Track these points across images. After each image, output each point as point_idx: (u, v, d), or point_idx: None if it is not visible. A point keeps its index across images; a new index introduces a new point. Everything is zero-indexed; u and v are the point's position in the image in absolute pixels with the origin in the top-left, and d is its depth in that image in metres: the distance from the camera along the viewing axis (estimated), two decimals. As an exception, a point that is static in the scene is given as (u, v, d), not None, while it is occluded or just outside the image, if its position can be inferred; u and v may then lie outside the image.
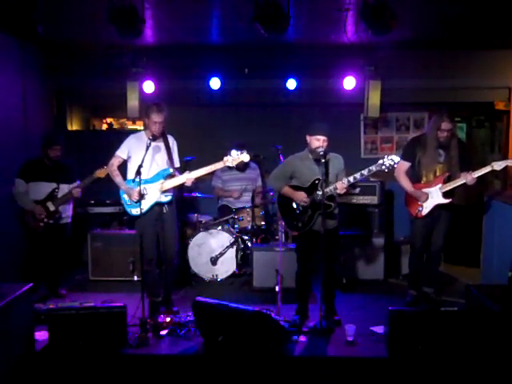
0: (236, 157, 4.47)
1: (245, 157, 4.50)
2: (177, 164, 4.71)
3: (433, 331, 3.67)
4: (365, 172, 4.12)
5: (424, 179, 4.75)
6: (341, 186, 4.16)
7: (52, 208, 5.02)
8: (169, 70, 6.27)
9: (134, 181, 4.44)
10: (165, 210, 4.59)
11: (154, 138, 4.46)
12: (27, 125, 5.72)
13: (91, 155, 5.73)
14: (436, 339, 3.66)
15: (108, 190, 5.90)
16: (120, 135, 5.31)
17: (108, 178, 4.83)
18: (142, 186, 4.39)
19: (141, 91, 6.15)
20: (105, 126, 8.04)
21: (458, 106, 7.00)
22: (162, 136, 4.63)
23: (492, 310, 3.48)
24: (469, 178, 4.52)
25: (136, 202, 4.41)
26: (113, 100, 6.73)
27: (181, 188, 4.90)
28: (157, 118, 4.45)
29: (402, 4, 4.25)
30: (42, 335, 3.92)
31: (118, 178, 4.63)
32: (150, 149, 4.41)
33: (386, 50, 5.77)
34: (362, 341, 4.03)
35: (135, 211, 4.48)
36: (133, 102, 6.14)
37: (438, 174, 4.72)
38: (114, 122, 8.05)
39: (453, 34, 5.82)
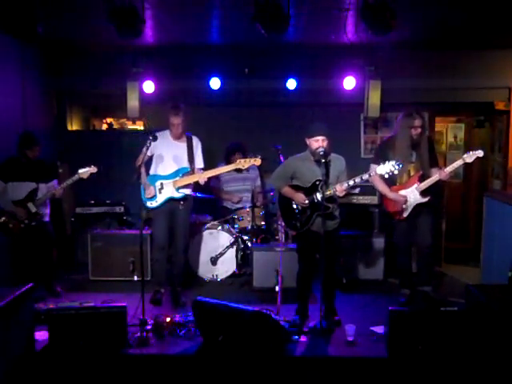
0: (249, 160, 4.64)
1: (257, 161, 4.63)
2: (199, 164, 4.97)
3: (433, 331, 3.67)
4: (365, 176, 4.14)
5: (399, 180, 4.75)
6: (340, 188, 4.15)
7: (33, 209, 4.94)
8: (169, 70, 6.27)
9: (153, 176, 4.86)
10: (181, 207, 4.87)
11: (155, 138, 4.51)
12: (27, 125, 5.72)
13: (91, 155, 5.73)
14: (436, 339, 3.66)
15: (108, 190, 5.93)
16: (120, 135, 5.33)
17: (107, 178, 4.85)
18: (160, 182, 4.82)
19: (141, 91, 6.15)
20: (105, 126, 8.03)
21: (458, 106, 7.00)
22: (186, 136, 4.93)
23: (492, 310, 3.48)
24: (443, 174, 4.55)
25: (151, 198, 4.81)
26: (113, 100, 6.73)
27: (197, 186, 5.03)
28: (174, 119, 4.79)
29: (401, 4, 4.25)
30: (42, 335, 3.92)
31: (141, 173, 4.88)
32: (172, 147, 4.84)
33: (385, 50, 5.77)
34: (362, 341, 4.02)
35: (150, 204, 4.83)
36: (133, 102, 6.14)
37: (411, 173, 4.72)
38: (113, 122, 8.05)
39: (453, 34, 5.82)
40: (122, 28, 4.35)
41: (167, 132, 4.92)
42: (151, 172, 4.92)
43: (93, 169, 4.97)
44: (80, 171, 4.95)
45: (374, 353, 3.83)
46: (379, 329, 4.18)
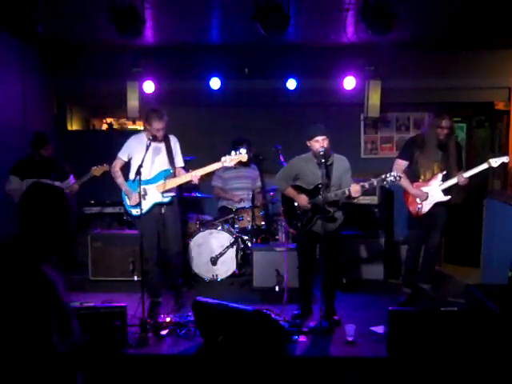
0: (234, 157, 4.48)
1: (243, 157, 4.50)
2: (180, 164, 4.77)
3: (433, 331, 3.67)
4: (374, 182, 4.13)
5: (422, 177, 4.79)
6: (356, 188, 4.08)
7: None
8: (169, 70, 6.26)
9: (134, 181, 4.48)
10: (163, 211, 4.62)
11: (154, 138, 4.48)
12: (27, 125, 5.72)
13: (91, 155, 5.72)
14: (436, 339, 3.66)
15: (108, 190, 5.91)
16: (120, 135, 5.32)
17: (107, 178, 4.84)
18: (142, 187, 4.41)
19: (141, 91, 6.15)
20: (105, 126, 8.03)
21: (458, 105, 6.99)
22: (164, 136, 4.65)
23: (492, 310, 3.48)
24: (461, 179, 4.59)
25: (136, 205, 4.48)
26: (113, 100, 6.73)
27: (181, 188, 4.93)
28: (158, 125, 4.50)
29: (401, 4, 4.25)
30: (42, 335, 3.92)
31: (119, 180, 4.69)
32: (151, 149, 4.44)
33: (386, 50, 5.77)
34: (362, 341, 4.03)
35: (135, 212, 4.55)
36: (133, 102, 6.14)
37: (435, 172, 4.75)
38: (114, 122, 8.05)
39: (453, 34, 5.82)
40: (122, 28, 4.34)
41: (142, 134, 4.66)
42: (130, 177, 4.62)
43: (106, 167, 5.01)
44: (93, 168, 5.02)
45: (374, 353, 3.83)
46: (379, 329, 4.18)
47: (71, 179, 5.24)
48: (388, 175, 4.09)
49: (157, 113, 4.51)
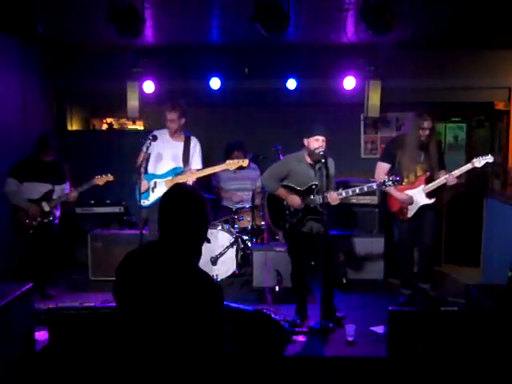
0: (236, 161, 4.81)
1: (244, 162, 4.80)
2: (196, 165, 5.01)
3: (433, 331, 3.66)
4: (364, 188, 4.16)
5: (405, 180, 4.72)
6: (334, 197, 4.13)
7: (47, 208, 5.03)
8: (169, 70, 6.27)
9: (149, 174, 4.90)
10: None
11: (155, 138, 4.57)
12: (27, 125, 5.72)
13: (91, 155, 5.73)
14: (436, 339, 3.65)
15: (108, 190, 5.92)
16: (120, 135, 5.34)
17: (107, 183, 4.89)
18: (153, 180, 4.91)
19: (141, 91, 6.15)
20: (105, 126, 8.03)
21: (458, 105, 7.00)
22: (185, 136, 4.98)
23: (492, 310, 3.48)
24: (450, 178, 4.55)
25: (143, 193, 4.80)
26: (113, 100, 6.73)
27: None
28: (169, 115, 4.82)
29: (401, 4, 4.25)
30: (41, 335, 3.92)
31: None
32: (169, 146, 4.91)
33: (386, 50, 5.77)
34: (362, 341, 4.03)
35: (142, 202, 4.86)
36: (133, 102, 6.14)
37: (418, 174, 4.70)
38: (114, 122, 8.05)
39: (453, 34, 5.82)
40: (122, 28, 4.35)
41: (165, 131, 4.97)
42: (149, 170, 4.97)
43: (110, 177, 5.09)
44: (97, 177, 5.04)
45: (374, 353, 3.84)
46: (379, 329, 4.18)
47: (67, 186, 5.23)
48: (387, 179, 4.10)
49: (170, 103, 4.83)
